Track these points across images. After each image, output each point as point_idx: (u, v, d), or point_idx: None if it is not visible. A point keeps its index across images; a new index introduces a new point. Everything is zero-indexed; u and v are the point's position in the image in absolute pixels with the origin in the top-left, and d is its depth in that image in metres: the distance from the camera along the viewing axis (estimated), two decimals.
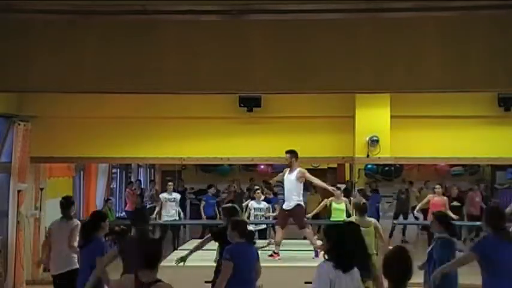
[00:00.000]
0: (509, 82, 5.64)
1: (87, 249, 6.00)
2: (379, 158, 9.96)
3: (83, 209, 12.48)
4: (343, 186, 14.68)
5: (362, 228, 7.03)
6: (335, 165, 17.16)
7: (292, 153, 8.73)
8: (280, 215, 9.32)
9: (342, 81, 5.77)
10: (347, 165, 15.51)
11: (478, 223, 10.75)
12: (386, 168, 15.86)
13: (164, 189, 13.05)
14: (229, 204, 7.22)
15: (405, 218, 14.63)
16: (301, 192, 8.89)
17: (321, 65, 5.64)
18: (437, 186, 12.88)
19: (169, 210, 12.12)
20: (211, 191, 14.19)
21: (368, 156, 9.91)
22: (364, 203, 7.99)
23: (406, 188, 15.01)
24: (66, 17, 5.38)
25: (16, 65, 5.72)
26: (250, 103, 9.76)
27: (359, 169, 14.70)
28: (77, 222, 6.88)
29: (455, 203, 12.79)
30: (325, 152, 10.22)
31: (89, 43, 5.66)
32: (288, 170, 8.85)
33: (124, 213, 15.10)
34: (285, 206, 8.92)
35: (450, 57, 5.57)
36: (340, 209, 11.16)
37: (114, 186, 16.14)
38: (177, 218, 12.38)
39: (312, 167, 17.45)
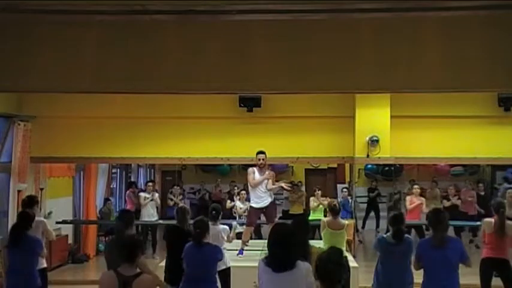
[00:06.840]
0: (509, 82, 5.64)
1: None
2: (379, 158, 9.94)
3: (83, 209, 12.46)
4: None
5: None
6: (335, 165, 17.15)
7: None
8: None
9: (342, 81, 5.76)
10: (347, 165, 15.53)
11: None
12: (387, 168, 15.83)
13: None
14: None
15: None
16: None
17: (321, 65, 5.63)
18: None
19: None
20: None
21: (368, 156, 9.88)
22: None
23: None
24: (66, 17, 5.37)
25: (16, 65, 5.71)
26: (250, 103, 9.77)
27: (359, 169, 14.74)
28: None
29: None
30: (325, 152, 10.22)
31: (89, 43, 5.66)
32: None
33: None
34: None
35: (450, 57, 5.56)
36: None
37: (114, 186, 16.10)
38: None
39: (312, 167, 17.57)
